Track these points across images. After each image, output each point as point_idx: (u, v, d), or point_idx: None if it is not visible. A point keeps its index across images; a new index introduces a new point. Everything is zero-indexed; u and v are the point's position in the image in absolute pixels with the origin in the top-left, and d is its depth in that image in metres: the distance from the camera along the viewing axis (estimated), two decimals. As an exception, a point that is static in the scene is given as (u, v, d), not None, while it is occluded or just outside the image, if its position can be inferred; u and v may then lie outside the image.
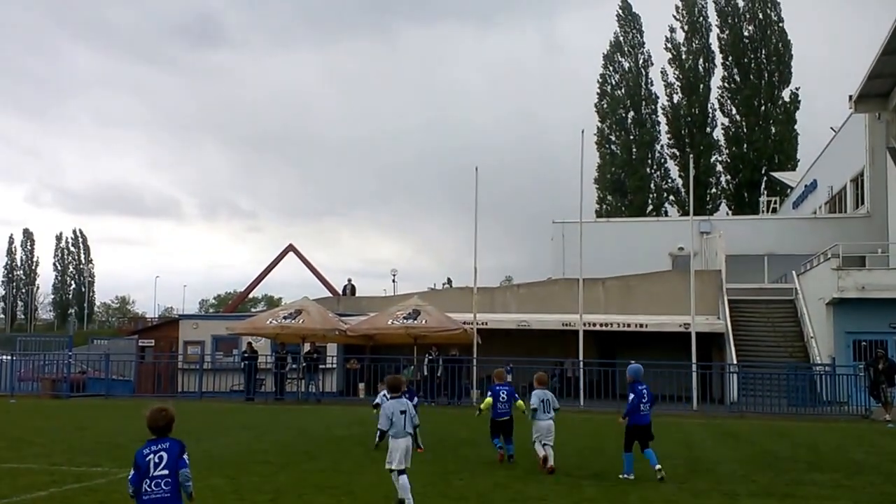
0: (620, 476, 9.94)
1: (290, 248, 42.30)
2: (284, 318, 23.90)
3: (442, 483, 9.45)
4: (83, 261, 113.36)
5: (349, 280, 37.13)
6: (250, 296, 58.51)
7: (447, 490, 9.00)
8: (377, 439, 8.27)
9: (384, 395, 14.61)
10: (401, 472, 7.84)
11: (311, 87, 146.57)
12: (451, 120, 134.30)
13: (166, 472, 5.06)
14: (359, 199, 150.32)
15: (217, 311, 79.98)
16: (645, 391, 10.12)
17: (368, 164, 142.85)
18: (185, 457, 5.21)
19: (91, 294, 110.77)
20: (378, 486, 9.13)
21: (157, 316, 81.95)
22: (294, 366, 25.33)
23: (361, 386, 25.99)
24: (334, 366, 27.24)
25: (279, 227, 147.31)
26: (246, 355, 25.46)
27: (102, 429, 15.59)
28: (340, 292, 36.82)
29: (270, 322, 24.19)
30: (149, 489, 5.05)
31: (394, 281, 53.44)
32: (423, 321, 23.37)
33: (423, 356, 24.38)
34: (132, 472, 5.12)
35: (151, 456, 5.11)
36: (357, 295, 35.19)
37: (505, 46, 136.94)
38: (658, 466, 9.85)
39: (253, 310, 66.78)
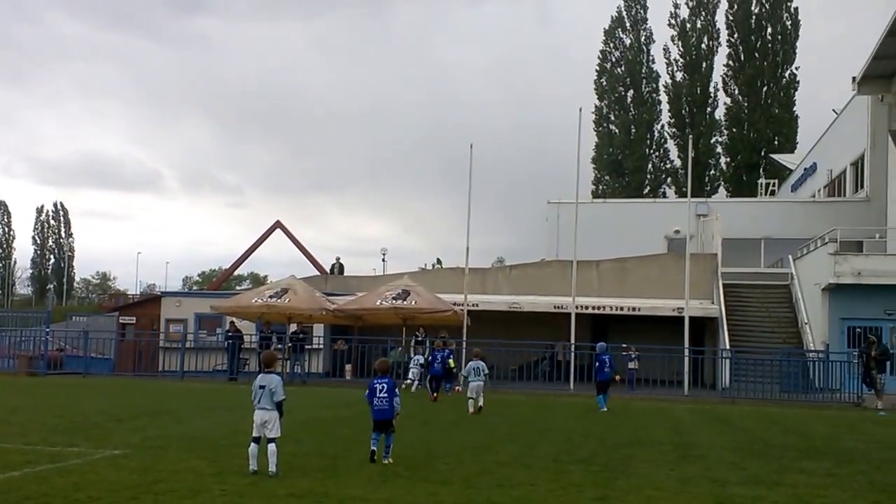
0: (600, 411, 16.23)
1: (278, 224, 41.76)
2: (270, 296, 23.47)
3: (426, 468, 9.15)
4: (63, 235, 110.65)
5: (337, 258, 36.68)
6: (235, 273, 57.94)
7: (431, 475, 8.71)
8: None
9: (418, 359, 20.60)
10: (269, 441, 8.34)
11: (299, 58, 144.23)
12: (444, 95, 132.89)
13: (385, 395, 9.25)
14: (348, 175, 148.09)
15: (201, 289, 79.19)
16: (606, 359, 17.07)
17: (358, 139, 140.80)
18: (397, 390, 9.44)
19: (70, 269, 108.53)
20: (362, 469, 8.90)
21: (138, 292, 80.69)
22: (279, 346, 24.91)
23: (348, 367, 25.64)
24: (321, 346, 26.87)
25: (265, 203, 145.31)
26: (230, 334, 25.06)
27: (80, 408, 15.23)
28: (328, 271, 36.38)
29: (256, 301, 23.77)
30: (378, 403, 9.25)
31: (383, 260, 53.25)
32: (413, 302, 23.01)
33: (411, 337, 24.01)
34: (367, 392, 9.38)
35: (378, 385, 9.32)
36: (345, 274, 34.76)
37: (500, 19, 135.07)
38: (604, 409, 16.40)
39: (238, 287, 66.24)
